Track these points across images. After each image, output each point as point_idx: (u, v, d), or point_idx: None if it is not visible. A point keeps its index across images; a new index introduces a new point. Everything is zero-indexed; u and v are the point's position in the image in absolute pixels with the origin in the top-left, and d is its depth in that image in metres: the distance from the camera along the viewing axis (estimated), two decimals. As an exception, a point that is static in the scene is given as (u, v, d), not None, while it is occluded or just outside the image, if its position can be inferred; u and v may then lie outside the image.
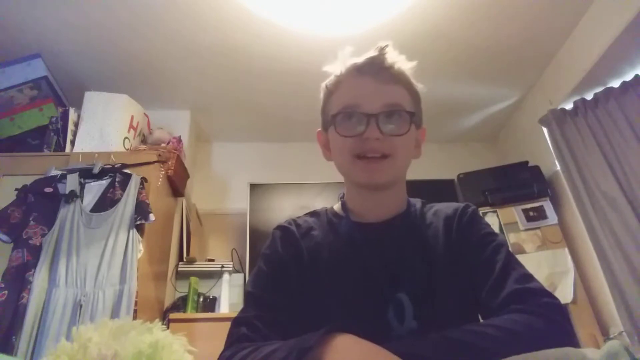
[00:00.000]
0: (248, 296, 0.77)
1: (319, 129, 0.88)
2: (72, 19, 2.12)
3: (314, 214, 0.87)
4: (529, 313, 0.61)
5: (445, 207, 0.84)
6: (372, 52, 0.80)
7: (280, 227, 0.84)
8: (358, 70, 0.79)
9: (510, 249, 0.77)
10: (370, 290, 0.72)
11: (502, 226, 2.51)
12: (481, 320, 0.71)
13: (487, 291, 0.69)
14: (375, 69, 0.78)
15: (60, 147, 2.15)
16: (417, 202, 0.86)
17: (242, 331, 0.69)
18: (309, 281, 0.75)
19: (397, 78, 0.79)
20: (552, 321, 0.60)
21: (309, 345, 0.52)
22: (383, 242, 0.77)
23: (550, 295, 0.66)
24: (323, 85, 0.85)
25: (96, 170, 1.94)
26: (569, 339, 0.58)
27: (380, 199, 0.81)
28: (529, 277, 0.69)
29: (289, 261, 0.78)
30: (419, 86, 0.83)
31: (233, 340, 0.68)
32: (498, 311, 0.65)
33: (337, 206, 0.87)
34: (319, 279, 0.75)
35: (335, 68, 0.83)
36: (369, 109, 0.74)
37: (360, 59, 0.80)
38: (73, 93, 2.37)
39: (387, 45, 0.79)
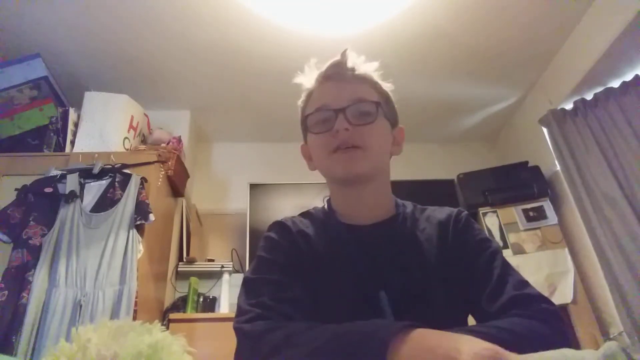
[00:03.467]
0: (248, 283, 0.74)
1: (302, 143, 0.91)
2: (72, 19, 2.12)
3: (306, 214, 0.89)
4: (529, 317, 0.63)
5: (438, 212, 0.85)
6: (335, 58, 0.84)
7: (276, 223, 0.85)
8: (324, 77, 0.85)
9: (510, 250, 0.78)
10: (355, 290, 0.74)
11: (502, 226, 2.51)
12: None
13: (485, 297, 0.71)
14: (339, 72, 0.83)
15: (60, 147, 2.15)
16: (407, 205, 0.87)
17: (257, 312, 0.66)
18: (306, 274, 0.75)
19: (362, 79, 0.84)
20: (552, 326, 0.63)
21: (384, 337, 0.52)
22: (370, 244, 0.79)
23: (548, 301, 0.68)
24: (299, 102, 0.90)
25: (96, 171, 1.94)
26: (568, 343, 0.59)
27: (361, 194, 0.82)
28: (526, 284, 0.72)
29: (289, 249, 0.79)
30: (387, 85, 0.87)
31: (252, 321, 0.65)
32: (497, 316, 0.66)
33: (325, 206, 0.89)
34: (313, 276, 0.75)
35: (304, 81, 0.88)
36: (336, 105, 0.79)
37: (324, 67, 0.85)
38: (73, 93, 2.37)
39: (346, 50, 0.84)
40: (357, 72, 0.83)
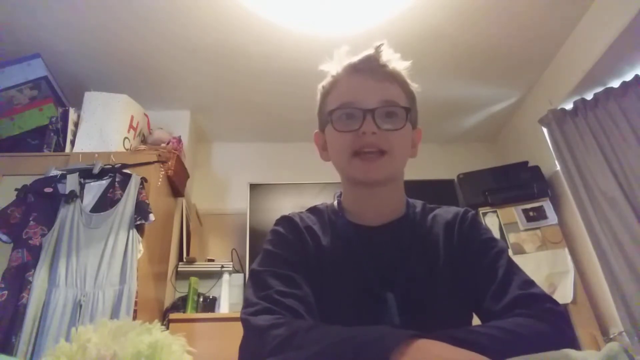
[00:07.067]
0: (256, 275, 0.73)
1: (316, 131, 0.89)
2: (72, 19, 2.12)
3: (314, 210, 0.87)
4: (533, 317, 0.62)
5: (445, 212, 0.85)
6: (368, 51, 0.81)
7: (283, 217, 0.84)
8: (354, 69, 0.81)
9: (510, 250, 0.78)
10: (361, 290, 0.74)
11: (502, 226, 2.51)
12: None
13: (490, 296, 0.71)
14: (371, 67, 0.80)
15: (60, 147, 2.15)
16: (417, 205, 0.86)
17: (265, 305, 0.65)
18: (311, 272, 0.75)
19: (392, 76, 0.80)
20: (556, 326, 0.62)
21: (389, 347, 0.52)
22: (378, 245, 0.78)
23: (553, 301, 0.67)
24: (320, 86, 0.87)
25: (96, 171, 1.94)
26: (571, 344, 0.59)
27: (375, 196, 0.81)
28: (531, 283, 0.71)
29: (297, 245, 0.78)
30: (414, 86, 0.84)
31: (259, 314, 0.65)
32: (501, 315, 0.66)
33: (335, 204, 0.87)
34: (318, 273, 0.75)
35: (332, 67, 0.84)
36: (365, 105, 0.76)
37: (356, 58, 0.82)
38: (73, 93, 2.37)
39: (382, 44, 0.81)
40: (388, 70, 0.80)
